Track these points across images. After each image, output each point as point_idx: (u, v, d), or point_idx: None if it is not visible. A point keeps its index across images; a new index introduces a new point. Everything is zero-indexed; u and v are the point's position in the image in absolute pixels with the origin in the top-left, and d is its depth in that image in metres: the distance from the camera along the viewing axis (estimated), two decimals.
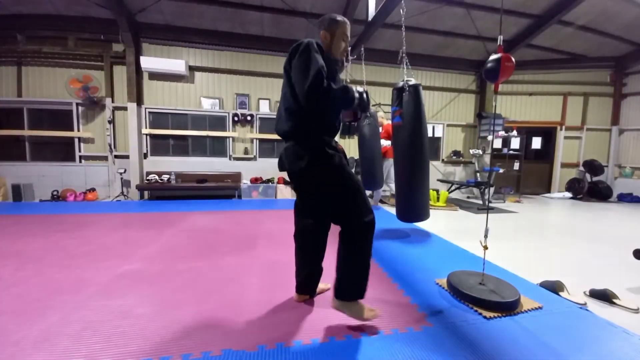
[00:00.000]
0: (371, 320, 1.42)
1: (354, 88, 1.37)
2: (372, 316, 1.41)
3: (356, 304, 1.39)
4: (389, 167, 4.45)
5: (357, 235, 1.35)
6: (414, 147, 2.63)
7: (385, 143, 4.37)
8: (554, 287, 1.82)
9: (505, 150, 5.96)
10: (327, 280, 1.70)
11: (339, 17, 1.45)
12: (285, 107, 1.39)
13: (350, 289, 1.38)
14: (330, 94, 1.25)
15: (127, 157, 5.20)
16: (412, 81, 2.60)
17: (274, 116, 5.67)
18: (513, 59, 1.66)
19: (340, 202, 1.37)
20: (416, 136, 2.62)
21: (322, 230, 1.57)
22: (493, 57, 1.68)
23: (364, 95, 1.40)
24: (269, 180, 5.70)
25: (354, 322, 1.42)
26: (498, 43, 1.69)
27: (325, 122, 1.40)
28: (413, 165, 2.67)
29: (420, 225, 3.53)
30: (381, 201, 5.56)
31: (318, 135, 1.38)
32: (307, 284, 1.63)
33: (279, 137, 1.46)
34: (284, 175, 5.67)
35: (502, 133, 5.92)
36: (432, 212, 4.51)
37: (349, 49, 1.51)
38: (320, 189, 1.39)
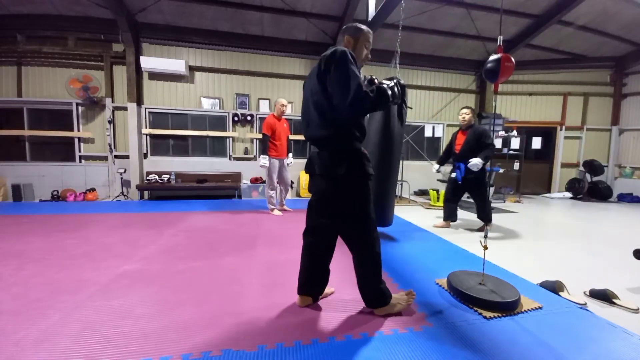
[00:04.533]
0: (412, 302, 1.57)
1: (384, 84, 1.37)
2: (410, 300, 1.56)
3: (390, 304, 1.51)
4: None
5: (367, 246, 1.44)
6: (379, 146, 2.57)
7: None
8: (554, 287, 1.82)
9: (505, 150, 5.96)
10: (330, 284, 1.69)
11: (363, 27, 1.50)
12: (320, 114, 1.39)
13: (376, 297, 1.50)
14: (370, 102, 1.27)
15: (127, 157, 5.20)
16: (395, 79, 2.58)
17: None
18: (513, 59, 1.67)
19: (356, 215, 1.42)
20: (382, 135, 2.56)
21: (334, 230, 1.52)
22: (493, 57, 1.68)
23: (396, 88, 1.39)
24: None
25: (355, 322, 1.44)
26: (498, 43, 1.69)
27: (359, 128, 1.42)
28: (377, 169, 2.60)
29: (421, 225, 3.54)
30: None
31: (353, 142, 1.41)
32: (311, 286, 1.58)
33: None
34: None
35: (502, 133, 5.92)
36: (432, 212, 4.54)
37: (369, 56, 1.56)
38: (347, 194, 1.41)
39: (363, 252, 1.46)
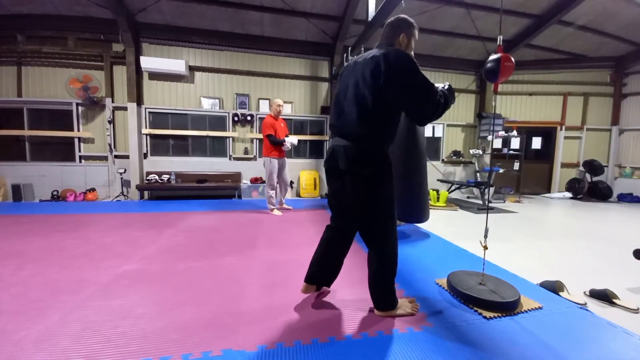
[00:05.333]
0: (415, 313, 1.53)
1: (439, 86, 1.39)
2: (414, 310, 1.53)
3: (396, 308, 1.50)
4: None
5: (386, 244, 1.44)
6: (408, 144, 2.68)
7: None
8: (554, 287, 1.82)
9: (505, 150, 5.96)
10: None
11: (412, 20, 1.45)
12: (360, 111, 1.36)
13: (384, 301, 1.49)
14: (443, 108, 1.34)
15: (127, 157, 5.20)
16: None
17: None
18: (513, 59, 1.66)
19: (377, 215, 1.42)
20: (410, 134, 2.66)
21: (354, 229, 1.56)
22: (493, 57, 1.68)
23: (450, 88, 1.43)
24: None
25: (355, 322, 1.44)
26: (498, 43, 1.69)
27: (392, 132, 1.44)
28: (409, 164, 2.70)
29: (420, 225, 3.53)
30: None
31: (382, 144, 1.42)
32: (320, 277, 1.63)
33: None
34: None
35: (502, 133, 5.91)
36: (432, 212, 4.52)
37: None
38: (370, 192, 1.39)
39: (381, 250, 1.46)
